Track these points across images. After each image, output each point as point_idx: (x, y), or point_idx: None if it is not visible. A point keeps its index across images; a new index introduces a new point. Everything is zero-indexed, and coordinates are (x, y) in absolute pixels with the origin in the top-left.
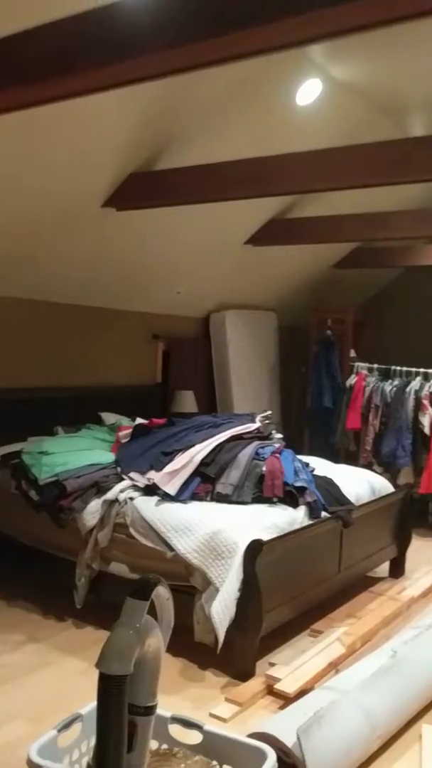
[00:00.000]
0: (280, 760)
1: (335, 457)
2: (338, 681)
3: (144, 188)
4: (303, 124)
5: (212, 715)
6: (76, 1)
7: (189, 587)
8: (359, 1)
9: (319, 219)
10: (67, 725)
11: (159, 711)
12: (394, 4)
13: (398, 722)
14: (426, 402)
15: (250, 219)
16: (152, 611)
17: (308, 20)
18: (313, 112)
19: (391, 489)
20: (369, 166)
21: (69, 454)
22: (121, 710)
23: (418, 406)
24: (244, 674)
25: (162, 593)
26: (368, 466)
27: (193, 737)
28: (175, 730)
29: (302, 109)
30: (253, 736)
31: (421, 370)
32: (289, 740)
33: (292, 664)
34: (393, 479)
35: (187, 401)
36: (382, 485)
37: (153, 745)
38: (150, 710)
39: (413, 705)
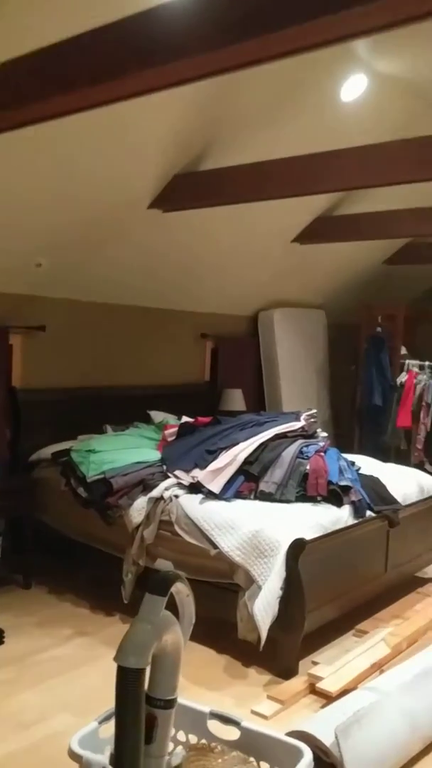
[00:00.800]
0: (318, 758)
1: (386, 455)
2: (380, 682)
3: (189, 189)
4: (349, 121)
5: (254, 712)
6: (117, 8)
7: (233, 585)
8: None
9: (367, 215)
10: (108, 717)
11: (198, 706)
12: None
13: None
14: None
15: (296, 217)
16: (174, 607)
17: (349, 16)
18: (358, 108)
19: None
20: (417, 160)
21: (116, 452)
22: (137, 702)
23: None
24: (286, 672)
25: (182, 589)
26: (420, 465)
27: (231, 733)
28: (214, 726)
29: (347, 106)
30: (291, 734)
31: None
32: (328, 739)
33: (335, 663)
34: None
35: (236, 400)
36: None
37: (192, 739)
38: (169, 703)
39: None
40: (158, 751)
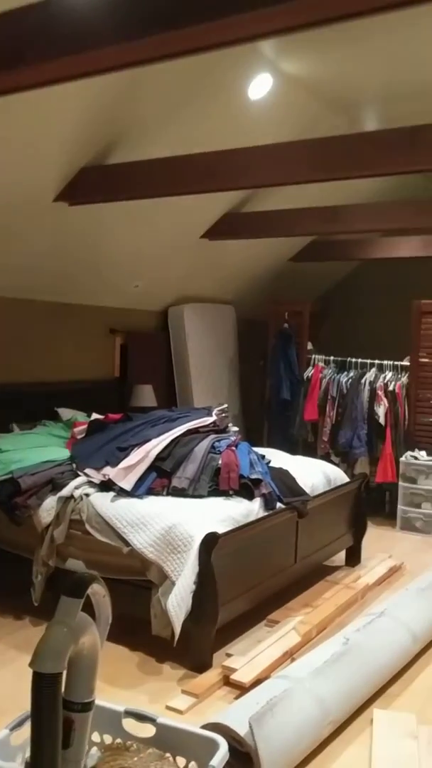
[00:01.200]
0: (233, 749)
1: (294, 448)
2: (292, 669)
3: (96, 183)
4: (256, 119)
5: (169, 708)
6: None
7: (146, 581)
8: None
9: (273, 213)
10: (19, 724)
11: (112, 705)
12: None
13: (350, 708)
14: (380, 393)
15: (205, 213)
16: (91, 608)
17: (263, 15)
18: (265, 107)
19: (346, 479)
20: (321, 160)
21: (24, 451)
22: (54, 707)
23: (373, 397)
24: (201, 666)
25: (98, 590)
26: (326, 456)
27: (147, 730)
28: (129, 724)
29: (254, 104)
30: (206, 726)
31: (376, 361)
32: (243, 729)
33: (248, 654)
34: (350, 469)
35: (146, 395)
36: (338, 475)
37: (107, 739)
38: (87, 706)
39: (364, 690)
40: (75, 756)
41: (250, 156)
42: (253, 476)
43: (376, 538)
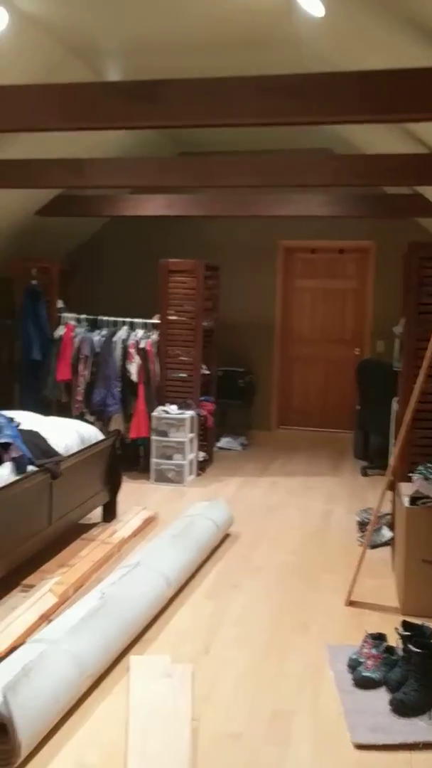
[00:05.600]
0: None
1: (47, 409)
2: (48, 631)
3: None
4: None
5: None
6: None
7: None
8: None
9: (12, 162)
10: None
11: None
12: None
13: (107, 659)
14: (132, 351)
15: None
16: None
17: None
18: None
19: (100, 437)
20: (61, 108)
21: None
22: None
23: (125, 355)
24: None
25: None
26: (81, 416)
27: None
28: None
29: None
30: None
31: (127, 319)
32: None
33: (2, 623)
34: (105, 427)
35: None
36: (92, 434)
37: None
38: None
39: (122, 640)
40: None
41: None
42: (2, 440)
43: (131, 491)
